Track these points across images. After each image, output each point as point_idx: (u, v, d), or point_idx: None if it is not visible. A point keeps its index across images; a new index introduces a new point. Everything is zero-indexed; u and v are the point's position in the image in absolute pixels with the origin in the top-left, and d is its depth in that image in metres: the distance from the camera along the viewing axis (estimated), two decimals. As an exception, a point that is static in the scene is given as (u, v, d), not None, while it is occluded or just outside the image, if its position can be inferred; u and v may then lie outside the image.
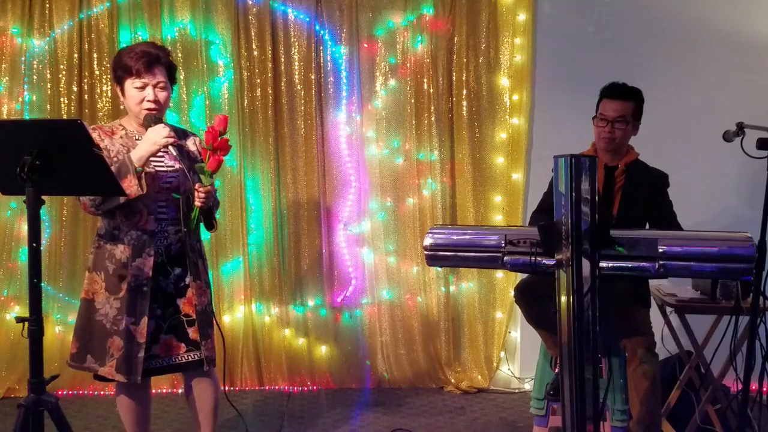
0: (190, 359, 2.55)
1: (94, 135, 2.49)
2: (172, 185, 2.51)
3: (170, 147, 2.42)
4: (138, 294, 2.46)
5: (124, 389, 2.58)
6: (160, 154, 2.48)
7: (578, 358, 1.91)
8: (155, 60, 2.46)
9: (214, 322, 2.65)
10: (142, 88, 2.46)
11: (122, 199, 2.37)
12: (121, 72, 2.48)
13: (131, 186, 2.35)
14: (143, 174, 2.38)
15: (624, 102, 2.84)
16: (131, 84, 2.46)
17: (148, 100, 2.46)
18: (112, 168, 2.35)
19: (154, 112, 2.47)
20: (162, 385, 3.88)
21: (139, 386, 2.57)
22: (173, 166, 2.52)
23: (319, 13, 3.93)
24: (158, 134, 2.38)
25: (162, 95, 2.48)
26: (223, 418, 3.02)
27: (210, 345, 2.57)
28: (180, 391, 3.86)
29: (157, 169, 2.49)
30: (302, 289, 4.05)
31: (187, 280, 2.55)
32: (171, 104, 2.65)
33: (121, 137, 2.50)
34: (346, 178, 4.03)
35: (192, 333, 2.55)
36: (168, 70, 2.52)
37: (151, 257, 2.47)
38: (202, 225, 2.64)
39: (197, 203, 2.46)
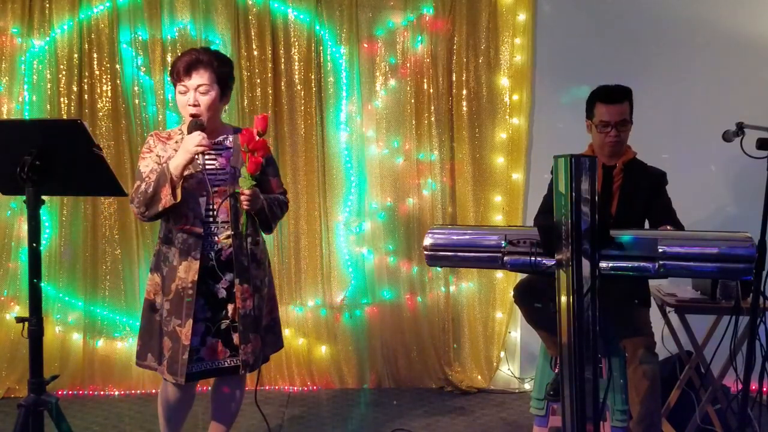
0: (230, 365, 2.55)
1: (149, 141, 2.53)
2: (221, 189, 2.50)
3: (199, 156, 2.41)
4: (183, 297, 2.47)
5: (170, 385, 2.57)
6: (211, 156, 2.51)
7: (578, 358, 1.91)
8: (195, 63, 2.45)
9: (272, 322, 2.68)
10: (185, 92, 2.47)
11: (160, 207, 2.39)
12: (171, 78, 2.52)
13: (166, 195, 2.37)
14: (181, 183, 2.39)
15: (621, 104, 2.82)
16: (177, 89, 2.48)
17: (189, 104, 2.46)
18: (153, 176, 2.40)
19: (198, 116, 2.45)
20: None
21: (187, 385, 2.56)
22: (224, 169, 2.52)
23: (319, 13, 3.93)
24: (191, 142, 2.37)
25: (203, 99, 2.46)
26: (245, 420, 3.02)
27: (249, 349, 2.54)
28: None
29: (206, 172, 2.49)
30: (302, 289, 4.04)
31: (236, 284, 2.53)
32: (224, 107, 2.63)
33: (176, 142, 2.50)
34: (346, 178, 4.03)
35: (236, 338, 2.54)
36: (215, 72, 2.47)
37: (197, 261, 2.47)
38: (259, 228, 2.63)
39: (243, 207, 2.45)
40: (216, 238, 2.51)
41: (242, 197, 2.44)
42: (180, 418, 2.66)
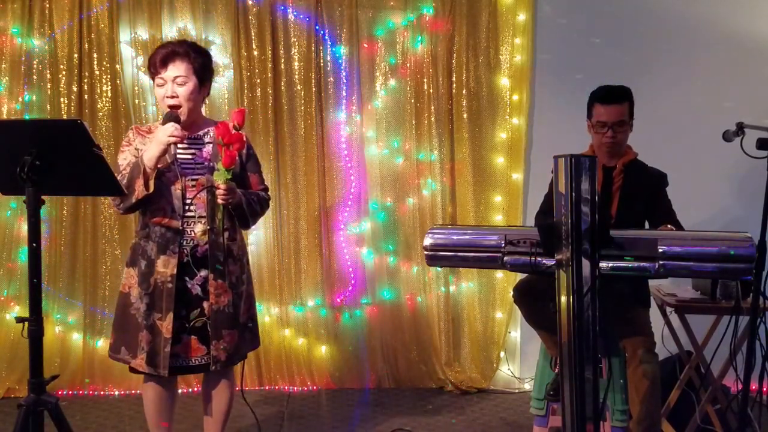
0: (206, 362, 2.55)
1: (129, 134, 2.55)
2: (199, 182, 2.50)
3: (171, 146, 2.42)
4: (163, 291, 2.47)
5: (150, 382, 2.59)
6: (188, 149, 2.51)
7: (578, 358, 1.91)
8: (171, 55, 2.45)
9: (249, 320, 2.65)
10: (163, 84, 2.47)
11: (134, 199, 2.40)
12: (149, 72, 2.53)
13: (139, 186, 2.37)
14: (155, 174, 2.39)
15: (619, 105, 2.82)
16: (155, 83, 2.49)
17: (167, 96, 2.46)
18: (129, 167, 2.40)
19: (176, 107, 2.46)
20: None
21: (165, 381, 2.58)
22: (202, 163, 2.52)
23: (319, 13, 3.93)
24: (163, 132, 2.37)
25: (181, 90, 2.46)
26: (231, 419, 3.02)
27: (220, 345, 2.53)
28: (180, 390, 3.85)
29: (184, 165, 2.49)
30: (302, 289, 4.04)
31: (210, 280, 2.52)
32: (204, 99, 2.64)
33: (155, 135, 2.49)
34: (346, 178, 4.03)
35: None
36: (191, 63, 2.47)
37: (175, 255, 2.47)
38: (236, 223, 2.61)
39: (219, 201, 2.45)
40: (192, 233, 2.50)
41: (218, 191, 2.43)
42: (167, 417, 2.66)
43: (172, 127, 2.37)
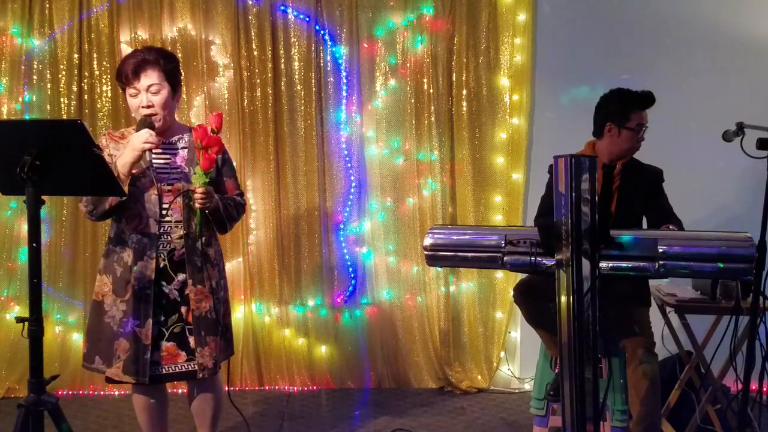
0: (188, 368, 2.52)
1: (102, 140, 2.53)
2: (175, 187, 2.49)
3: (147, 153, 2.39)
4: (142, 297, 2.45)
5: (138, 390, 2.58)
6: (163, 154, 2.49)
7: (578, 358, 1.91)
8: (142, 64, 2.43)
9: (224, 328, 2.60)
10: (136, 95, 2.45)
11: (107, 205, 2.38)
12: (119, 83, 2.50)
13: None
14: (128, 181, 2.38)
15: None
16: (128, 93, 2.47)
17: (143, 106, 2.44)
18: None
19: (153, 116, 2.44)
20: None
21: (153, 388, 2.57)
22: (177, 168, 2.50)
23: (319, 13, 3.93)
24: (138, 139, 2.34)
25: (156, 98, 2.44)
26: (227, 419, 3.02)
27: (206, 352, 2.50)
28: (180, 391, 3.86)
29: (159, 171, 2.48)
30: (302, 289, 4.05)
31: (189, 286, 2.51)
32: (176, 104, 2.61)
33: (129, 141, 2.48)
34: (346, 178, 4.03)
35: (192, 341, 2.52)
36: (163, 70, 2.45)
37: (152, 260, 2.45)
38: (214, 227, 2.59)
39: (197, 205, 2.43)
40: (169, 238, 2.48)
41: (195, 195, 2.41)
42: (162, 421, 2.66)
43: (146, 134, 2.34)
